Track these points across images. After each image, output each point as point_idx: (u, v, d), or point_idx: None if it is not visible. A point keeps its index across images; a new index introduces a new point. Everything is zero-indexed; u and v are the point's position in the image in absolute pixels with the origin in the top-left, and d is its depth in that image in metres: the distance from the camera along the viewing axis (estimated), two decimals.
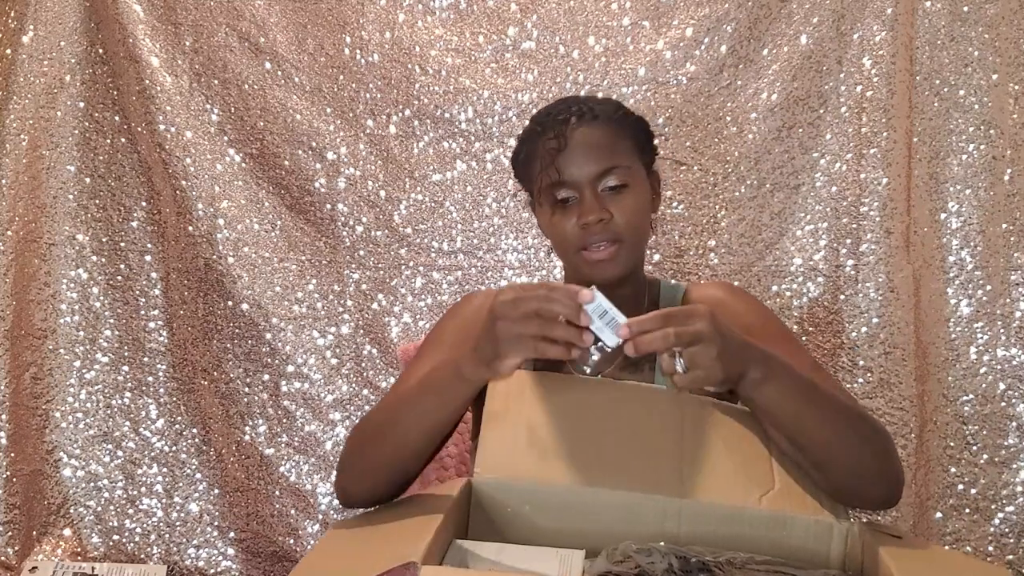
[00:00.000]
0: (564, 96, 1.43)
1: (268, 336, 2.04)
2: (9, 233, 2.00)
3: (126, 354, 2.06)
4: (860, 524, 0.98)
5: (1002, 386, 1.87)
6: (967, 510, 1.88)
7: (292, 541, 2.05)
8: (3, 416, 1.98)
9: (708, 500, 0.97)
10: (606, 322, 0.93)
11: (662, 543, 0.92)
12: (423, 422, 1.06)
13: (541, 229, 1.32)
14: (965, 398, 1.88)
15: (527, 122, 1.32)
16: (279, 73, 2.06)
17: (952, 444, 1.89)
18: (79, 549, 2.04)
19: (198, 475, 2.06)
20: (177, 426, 2.06)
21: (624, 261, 1.22)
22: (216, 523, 2.06)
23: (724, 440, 1.03)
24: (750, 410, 1.05)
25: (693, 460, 1.00)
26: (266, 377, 2.05)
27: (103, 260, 2.07)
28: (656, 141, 1.32)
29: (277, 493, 2.05)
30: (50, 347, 2.05)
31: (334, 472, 1.17)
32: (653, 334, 0.92)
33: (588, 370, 0.97)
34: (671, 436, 1.02)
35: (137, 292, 2.07)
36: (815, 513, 0.98)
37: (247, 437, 2.05)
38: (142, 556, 2.05)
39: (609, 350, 0.94)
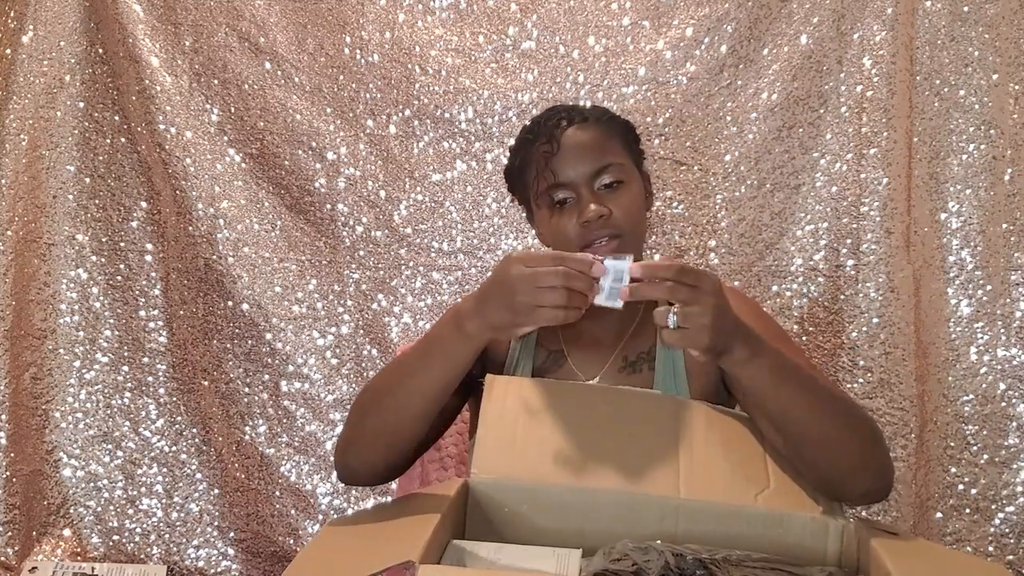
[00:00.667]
0: (558, 101, 1.44)
1: (268, 336, 2.04)
2: (9, 233, 2.00)
3: (126, 354, 2.07)
4: (856, 521, 0.98)
5: (1002, 386, 1.87)
6: (967, 510, 1.88)
7: (292, 541, 2.04)
8: (3, 416, 1.98)
9: (705, 499, 0.97)
10: (614, 282, 0.97)
11: (659, 541, 0.92)
12: (423, 382, 1.07)
13: (540, 238, 1.32)
14: (965, 398, 1.88)
15: (525, 124, 1.33)
16: (279, 73, 2.06)
17: (952, 444, 1.88)
18: (79, 549, 2.04)
19: (198, 475, 2.06)
20: (177, 426, 2.06)
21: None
22: (216, 523, 2.06)
23: (720, 440, 1.04)
24: (736, 387, 1.07)
25: (690, 460, 1.00)
26: (266, 377, 2.05)
27: (103, 260, 2.07)
28: (645, 143, 1.33)
29: (277, 493, 2.05)
30: (50, 347, 2.05)
31: (335, 465, 1.17)
32: (655, 284, 0.95)
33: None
34: (668, 437, 1.03)
35: (137, 292, 2.07)
36: (811, 510, 0.98)
37: (247, 437, 2.05)
38: (142, 556, 2.05)
39: (592, 304, 0.98)
